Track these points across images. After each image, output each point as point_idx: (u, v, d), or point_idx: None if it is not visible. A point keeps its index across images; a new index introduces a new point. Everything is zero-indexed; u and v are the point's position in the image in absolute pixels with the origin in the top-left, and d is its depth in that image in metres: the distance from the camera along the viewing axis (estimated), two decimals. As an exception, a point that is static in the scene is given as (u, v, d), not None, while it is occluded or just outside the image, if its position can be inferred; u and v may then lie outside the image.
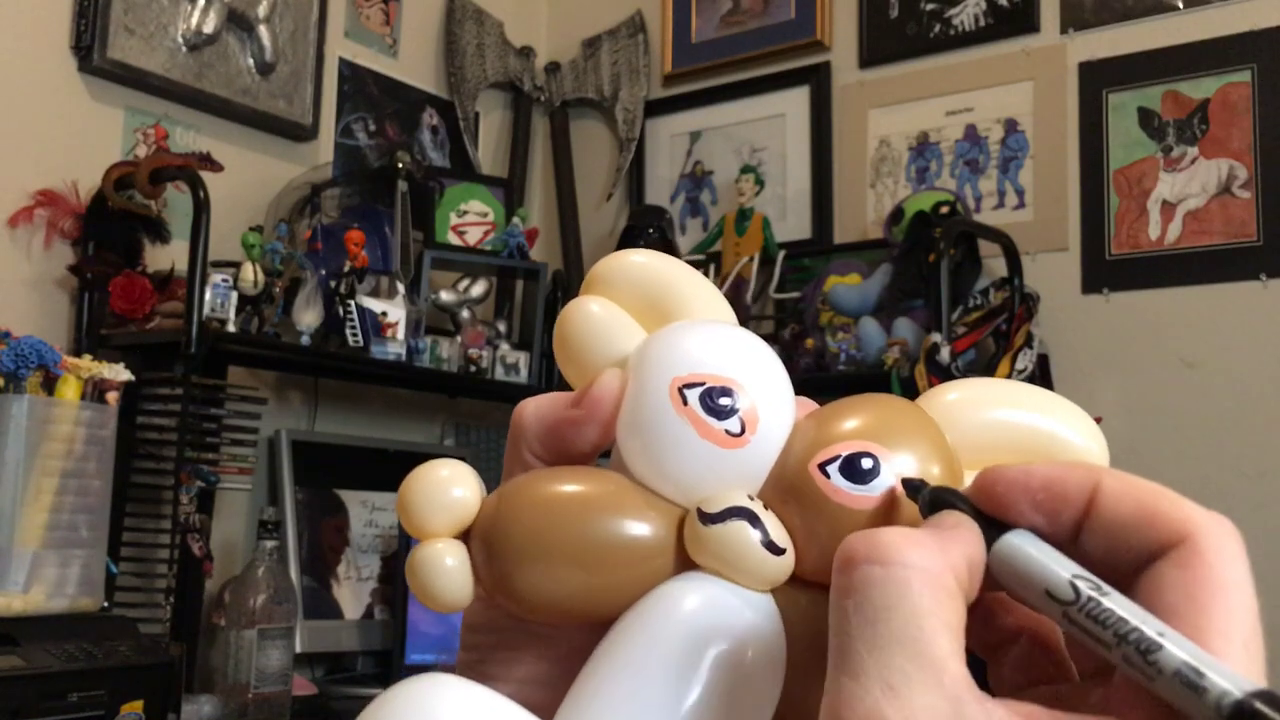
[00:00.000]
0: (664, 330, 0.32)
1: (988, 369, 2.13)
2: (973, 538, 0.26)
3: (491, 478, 0.29)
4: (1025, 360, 2.10)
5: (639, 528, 0.30)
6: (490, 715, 0.28)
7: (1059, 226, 2.27)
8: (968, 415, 0.31)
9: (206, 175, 1.92)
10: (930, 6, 2.45)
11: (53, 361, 1.58)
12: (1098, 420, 0.32)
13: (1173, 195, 2.18)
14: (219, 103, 2.21)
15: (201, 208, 1.86)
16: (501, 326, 2.57)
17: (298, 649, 2.02)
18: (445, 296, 2.49)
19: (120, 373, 1.65)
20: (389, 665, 2.22)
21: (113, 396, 1.65)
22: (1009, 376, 2.03)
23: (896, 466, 0.29)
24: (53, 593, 1.56)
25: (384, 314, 2.19)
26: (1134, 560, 0.26)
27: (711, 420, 0.30)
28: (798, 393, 0.32)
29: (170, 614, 1.84)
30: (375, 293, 2.21)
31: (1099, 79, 2.26)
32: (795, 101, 2.62)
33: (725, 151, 2.71)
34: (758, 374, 0.31)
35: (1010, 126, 2.36)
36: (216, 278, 1.92)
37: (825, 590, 0.25)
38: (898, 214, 2.26)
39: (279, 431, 2.25)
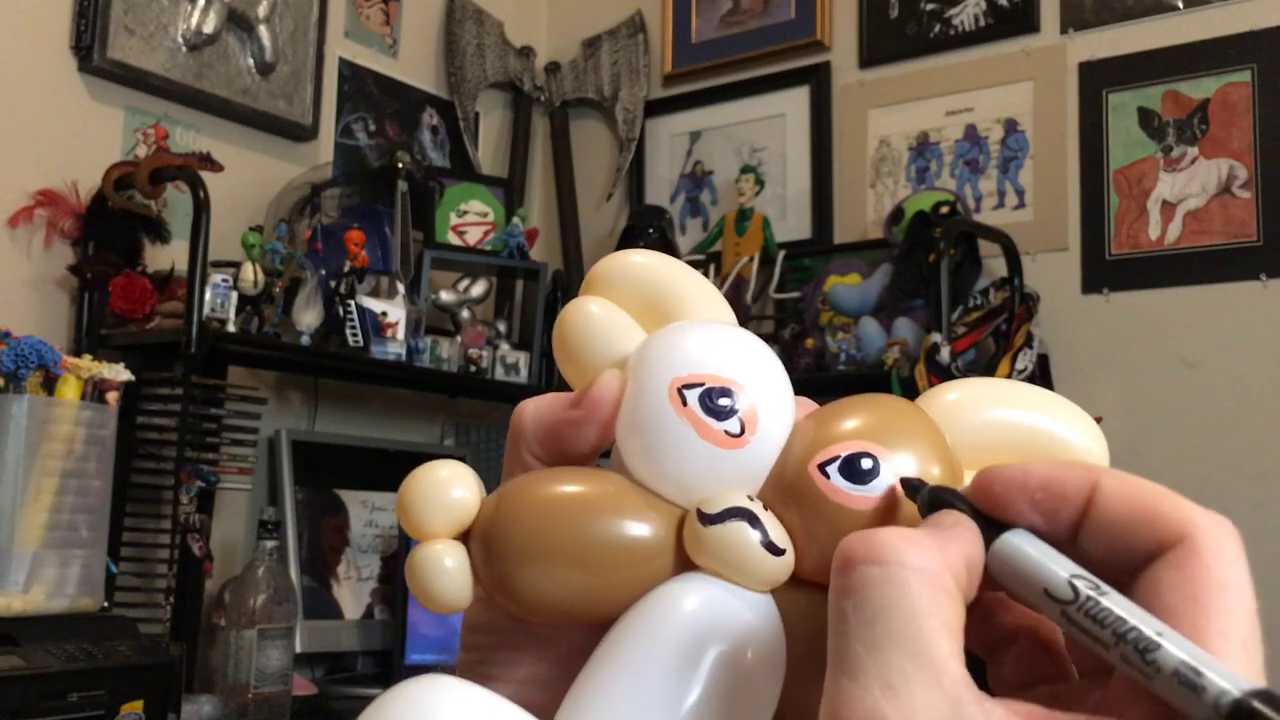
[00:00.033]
0: (663, 331, 0.32)
1: (988, 369, 2.13)
2: (971, 537, 0.26)
3: (491, 478, 0.29)
4: (1025, 360, 2.10)
5: (638, 528, 0.30)
6: (489, 716, 0.28)
7: (1059, 226, 2.27)
8: (967, 415, 0.31)
9: (206, 175, 1.92)
10: (930, 6, 2.45)
11: (53, 361, 1.58)
12: (1098, 420, 0.32)
13: (1173, 195, 2.18)
14: (219, 103, 2.21)
15: (201, 208, 1.86)
16: (501, 326, 2.57)
17: (298, 649, 2.02)
18: (445, 296, 2.49)
19: (120, 373, 1.65)
20: (389, 665, 2.22)
21: (113, 396, 1.65)
22: (1009, 376, 2.03)
23: (896, 467, 0.29)
24: (53, 593, 1.56)
25: (384, 314, 2.19)
26: (1132, 560, 0.26)
27: (711, 421, 0.30)
28: (797, 393, 0.32)
29: (170, 614, 1.84)
30: (375, 293, 2.21)
31: (1099, 79, 2.26)
32: (795, 101, 2.62)
33: (725, 151, 2.71)
34: (757, 374, 0.31)
35: (1010, 126, 2.36)
36: (216, 278, 1.92)
37: (825, 591, 0.25)
38: (898, 214, 2.26)
39: (279, 431, 2.25)
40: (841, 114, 2.55)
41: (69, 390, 1.59)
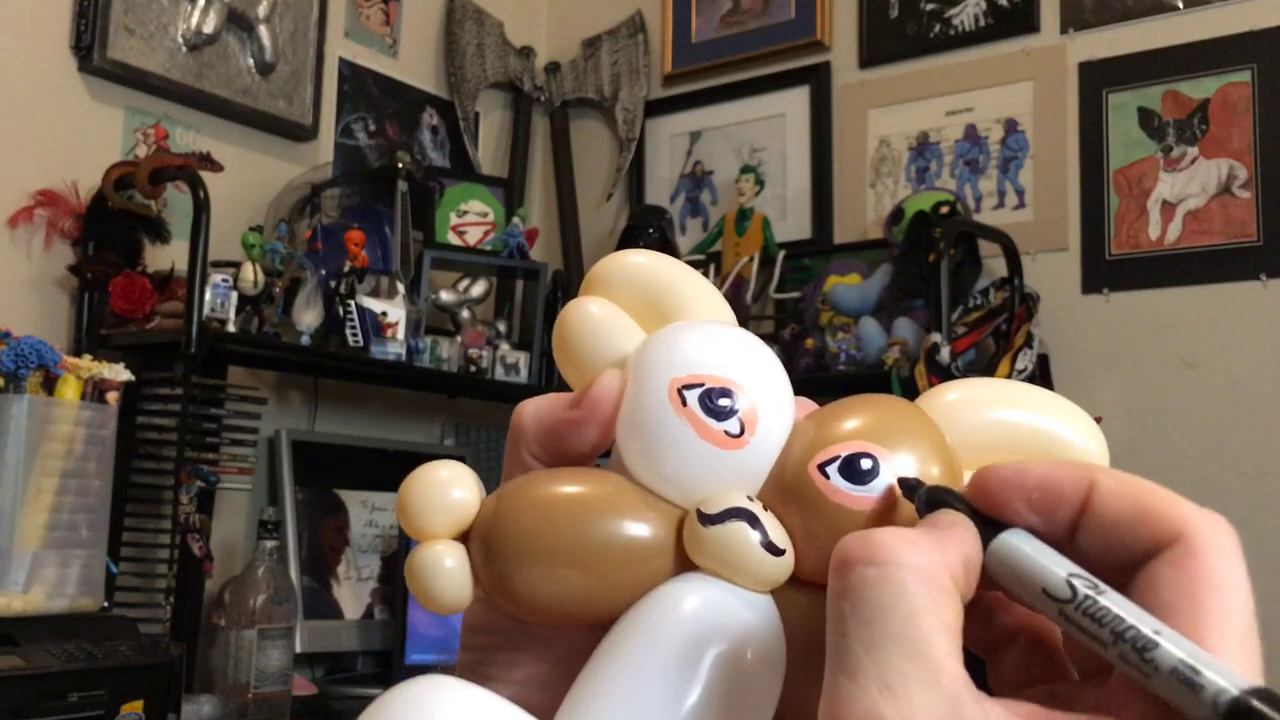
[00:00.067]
0: (663, 331, 0.32)
1: (988, 369, 2.13)
2: (969, 537, 0.26)
3: (491, 478, 0.29)
4: (1025, 360, 2.10)
5: (638, 529, 0.30)
6: (489, 717, 0.28)
7: (1059, 226, 2.27)
8: (967, 415, 0.31)
9: (206, 175, 1.92)
10: (930, 6, 2.45)
11: (53, 361, 1.58)
12: (1098, 420, 0.32)
13: (1173, 195, 2.18)
14: (219, 103, 2.21)
15: (201, 208, 1.86)
16: (501, 326, 2.57)
17: (298, 649, 2.02)
18: (445, 296, 2.49)
19: (120, 373, 1.65)
20: (389, 665, 2.22)
21: (113, 396, 1.65)
22: (1009, 376, 2.03)
23: (896, 467, 0.29)
24: (53, 593, 1.56)
25: (384, 314, 2.19)
26: (1130, 558, 0.26)
27: (711, 421, 0.30)
28: (797, 393, 0.32)
29: (170, 614, 1.84)
30: (375, 293, 2.21)
31: (1099, 79, 2.26)
32: (795, 101, 2.62)
33: (725, 151, 2.71)
34: (757, 375, 0.31)
35: (1010, 126, 2.36)
36: (216, 278, 1.92)
37: (825, 591, 0.25)
38: (898, 214, 2.26)
39: (279, 431, 2.25)
40: (841, 114, 2.55)
41: (69, 390, 1.59)
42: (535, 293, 2.58)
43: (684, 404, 0.30)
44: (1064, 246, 2.26)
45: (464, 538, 0.31)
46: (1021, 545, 0.26)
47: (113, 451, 1.67)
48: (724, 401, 0.30)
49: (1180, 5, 2.19)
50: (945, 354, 2.01)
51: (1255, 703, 0.21)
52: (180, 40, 2.14)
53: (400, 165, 2.36)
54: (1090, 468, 0.27)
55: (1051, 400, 0.32)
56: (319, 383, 2.37)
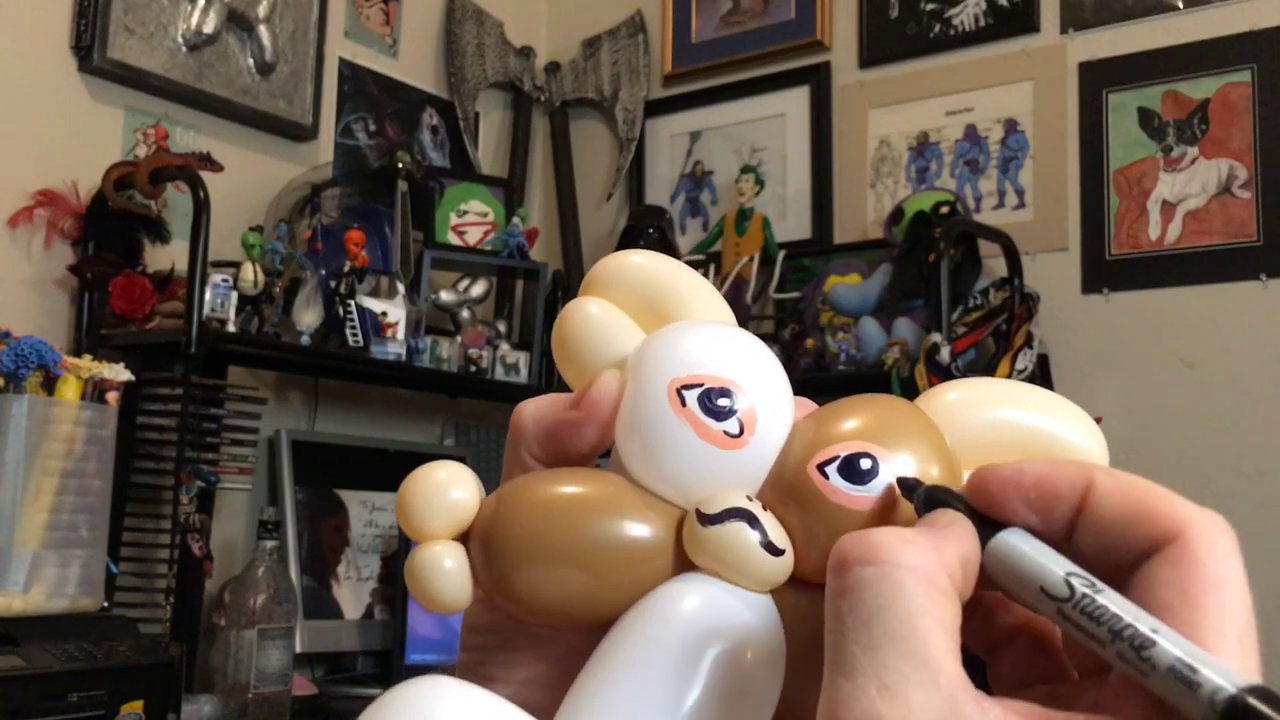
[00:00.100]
0: (662, 331, 0.32)
1: (988, 369, 2.13)
2: (967, 536, 0.26)
3: (491, 478, 0.29)
4: (1025, 360, 2.10)
5: (638, 529, 0.30)
6: (489, 717, 0.28)
7: (1059, 226, 2.27)
8: (967, 415, 0.31)
9: (206, 175, 1.92)
10: (930, 6, 2.45)
11: (53, 361, 1.58)
12: (1098, 420, 0.32)
13: (1173, 195, 2.18)
14: (219, 103, 2.21)
15: (201, 208, 1.86)
16: (501, 326, 2.57)
17: (298, 649, 2.02)
18: (445, 296, 2.49)
19: (120, 373, 1.66)
20: (389, 665, 2.22)
21: (113, 396, 1.65)
22: (1009, 376, 2.03)
23: (895, 467, 0.29)
24: (53, 593, 1.56)
25: (384, 314, 2.19)
26: (1127, 557, 0.26)
27: (710, 421, 0.30)
28: (797, 393, 0.32)
29: (170, 614, 1.84)
30: (375, 293, 2.21)
31: (1099, 79, 2.26)
32: (795, 101, 2.62)
33: (725, 151, 2.71)
34: (756, 375, 0.31)
35: (1010, 126, 2.36)
36: (216, 278, 1.92)
37: (824, 591, 0.25)
38: (898, 214, 2.26)
39: (279, 431, 2.25)
40: (841, 114, 2.55)
41: (69, 390, 1.59)
42: (535, 293, 2.58)
43: (683, 404, 0.30)
44: (1064, 246, 2.26)
45: (464, 538, 0.31)
46: (1019, 544, 0.26)
47: (113, 451, 1.67)
48: (723, 401, 0.30)
49: (1180, 5, 2.19)
50: (945, 354, 2.01)
51: (1252, 700, 0.21)
52: (180, 40, 2.14)
53: (400, 165, 2.36)
54: (1088, 467, 0.27)
55: (1051, 400, 0.32)
56: (319, 383, 2.37)
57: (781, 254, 2.48)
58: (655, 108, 2.80)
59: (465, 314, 2.51)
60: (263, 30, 2.27)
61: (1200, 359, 2.11)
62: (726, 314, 0.34)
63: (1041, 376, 2.15)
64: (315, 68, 2.38)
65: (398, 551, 2.30)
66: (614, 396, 0.31)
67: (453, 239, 2.51)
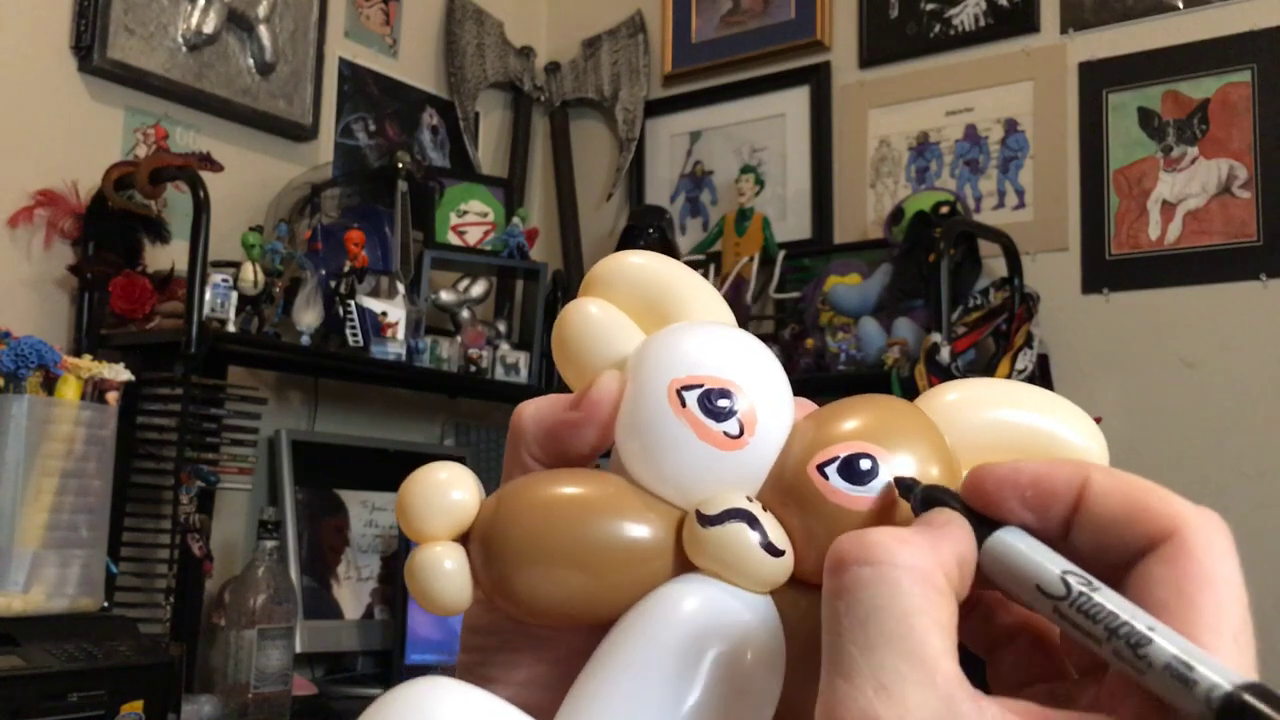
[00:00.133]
0: (662, 332, 0.32)
1: (988, 369, 2.13)
2: (963, 535, 0.26)
3: (491, 478, 0.29)
4: (1025, 360, 2.10)
5: (638, 530, 0.30)
6: (488, 718, 0.28)
7: (1059, 226, 2.27)
8: (967, 415, 0.31)
9: (206, 175, 1.92)
10: (930, 6, 2.45)
11: (53, 361, 1.58)
12: (1098, 420, 0.32)
13: (1173, 195, 2.18)
14: (219, 103, 2.21)
15: (201, 208, 1.86)
16: (501, 326, 2.57)
17: (298, 649, 2.02)
18: (445, 296, 2.49)
19: (120, 373, 1.66)
20: (389, 665, 2.22)
21: (113, 396, 1.65)
22: (1009, 376, 2.03)
23: (895, 467, 0.29)
24: (53, 593, 1.56)
25: (384, 314, 2.19)
26: (1123, 556, 0.26)
27: (710, 422, 0.30)
28: (797, 393, 0.32)
29: (170, 614, 1.84)
30: (375, 293, 2.21)
31: (1099, 79, 2.26)
32: (795, 101, 2.62)
33: (725, 151, 2.71)
34: (756, 375, 0.31)
35: (1010, 126, 2.36)
36: (216, 278, 1.92)
37: (823, 591, 0.25)
38: (898, 214, 2.26)
39: (279, 431, 2.25)
40: (841, 114, 2.55)
41: (69, 390, 1.59)
42: (535, 293, 2.58)
43: (683, 405, 0.30)
44: (1064, 246, 2.26)
45: (464, 539, 0.31)
46: (1016, 543, 0.26)
47: (113, 451, 1.67)
48: (723, 402, 0.30)
49: (1180, 5, 2.19)
50: (945, 354, 2.01)
51: (1248, 698, 0.21)
52: (180, 40, 2.14)
53: (400, 165, 2.36)
54: (1085, 465, 0.27)
55: (1051, 400, 0.32)
56: (319, 383, 2.37)
57: (781, 254, 2.48)
58: (655, 108, 2.81)
59: (465, 314, 2.51)
60: (263, 30, 2.27)
61: (1200, 359, 2.11)
62: (726, 314, 0.34)
63: (1041, 376, 2.15)
64: (315, 68, 2.38)
65: (398, 551, 2.30)
66: (614, 397, 0.31)
67: (453, 239, 2.51)
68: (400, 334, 2.20)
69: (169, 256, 2.01)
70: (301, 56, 2.36)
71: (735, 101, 2.70)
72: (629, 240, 2.52)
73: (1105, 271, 2.22)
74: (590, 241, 2.82)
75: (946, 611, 0.24)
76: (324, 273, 2.11)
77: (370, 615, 2.25)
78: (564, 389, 0.33)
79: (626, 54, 2.83)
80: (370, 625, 2.24)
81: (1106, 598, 0.24)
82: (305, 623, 2.10)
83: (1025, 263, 2.22)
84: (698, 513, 0.30)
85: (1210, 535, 0.25)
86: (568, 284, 2.58)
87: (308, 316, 2.05)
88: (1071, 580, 0.25)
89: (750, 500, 0.30)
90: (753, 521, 0.29)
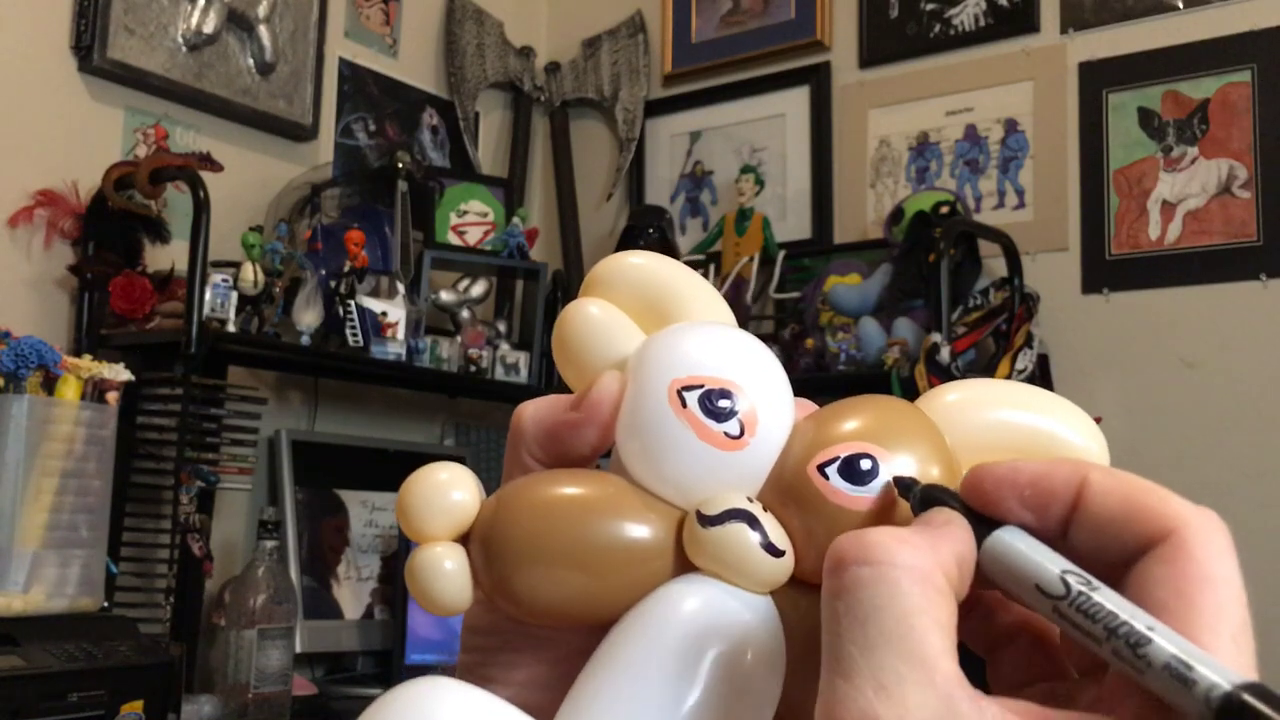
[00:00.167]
0: (663, 332, 0.32)
1: (988, 369, 2.13)
2: (963, 534, 0.26)
3: (491, 479, 0.29)
4: (1025, 360, 2.10)
5: (638, 530, 0.30)
6: (488, 718, 0.28)
7: (1059, 226, 2.27)
8: (968, 416, 0.31)
9: (206, 175, 1.92)
10: (930, 6, 2.45)
11: (53, 361, 1.58)
12: (1098, 420, 0.32)
13: (1173, 195, 2.18)
14: (219, 103, 2.21)
15: (201, 208, 1.86)
16: (501, 326, 2.57)
17: (298, 649, 2.02)
18: (445, 296, 2.49)
19: (120, 373, 1.66)
20: (389, 665, 2.22)
21: (113, 396, 1.65)
22: (1009, 376, 2.03)
23: (895, 468, 0.29)
24: (53, 593, 1.56)
25: (384, 314, 2.19)
26: (1122, 555, 0.26)
27: (711, 422, 0.30)
28: (797, 393, 0.32)
29: (170, 614, 1.84)
30: (375, 293, 2.21)
31: (1099, 79, 2.26)
32: (795, 101, 2.62)
33: (725, 151, 2.71)
34: (757, 376, 0.31)
35: (1010, 126, 2.36)
36: (216, 278, 1.92)
37: (823, 592, 0.25)
38: (898, 214, 2.26)
39: (279, 431, 2.25)
40: (841, 114, 2.55)
41: (69, 390, 1.59)
42: (535, 293, 2.58)
43: (684, 405, 0.30)
44: (1064, 246, 2.26)
45: (464, 539, 0.31)
46: (1015, 542, 0.26)
47: (113, 451, 1.67)
48: (724, 403, 0.30)
49: (1180, 5, 2.19)
50: (945, 354, 2.01)
51: (1247, 698, 0.21)
52: (180, 40, 2.14)
53: (400, 165, 2.36)
54: (1084, 465, 0.27)
55: (1051, 401, 0.32)
56: (319, 383, 2.37)
57: (781, 254, 2.48)
58: (655, 108, 2.81)
59: (465, 314, 2.51)
60: (263, 30, 2.27)
61: (1200, 359, 2.11)
62: (726, 314, 0.34)
63: (1041, 376, 2.15)
64: (315, 68, 2.38)
65: (398, 551, 2.30)
66: (614, 398, 0.31)
67: (453, 239, 2.51)
68: (400, 334, 2.21)
69: (169, 256, 2.01)
70: (301, 56, 2.36)
71: (735, 101, 2.70)
72: (629, 240, 2.52)
73: (1105, 271, 2.22)
74: (590, 241, 2.82)
75: (946, 611, 0.24)
76: (324, 273, 2.11)
77: (370, 615, 2.25)
78: (564, 389, 0.33)
79: (626, 54, 2.83)
80: (370, 625, 2.25)
81: (1106, 597, 0.24)
82: (305, 623, 2.10)
83: (1025, 263, 2.22)
84: (698, 513, 0.30)
85: (1209, 535, 0.25)
86: (568, 284, 2.58)
87: (308, 316, 2.05)
88: (1071, 580, 0.25)
89: (750, 500, 0.30)
90: (753, 522, 0.29)
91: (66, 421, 1.59)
